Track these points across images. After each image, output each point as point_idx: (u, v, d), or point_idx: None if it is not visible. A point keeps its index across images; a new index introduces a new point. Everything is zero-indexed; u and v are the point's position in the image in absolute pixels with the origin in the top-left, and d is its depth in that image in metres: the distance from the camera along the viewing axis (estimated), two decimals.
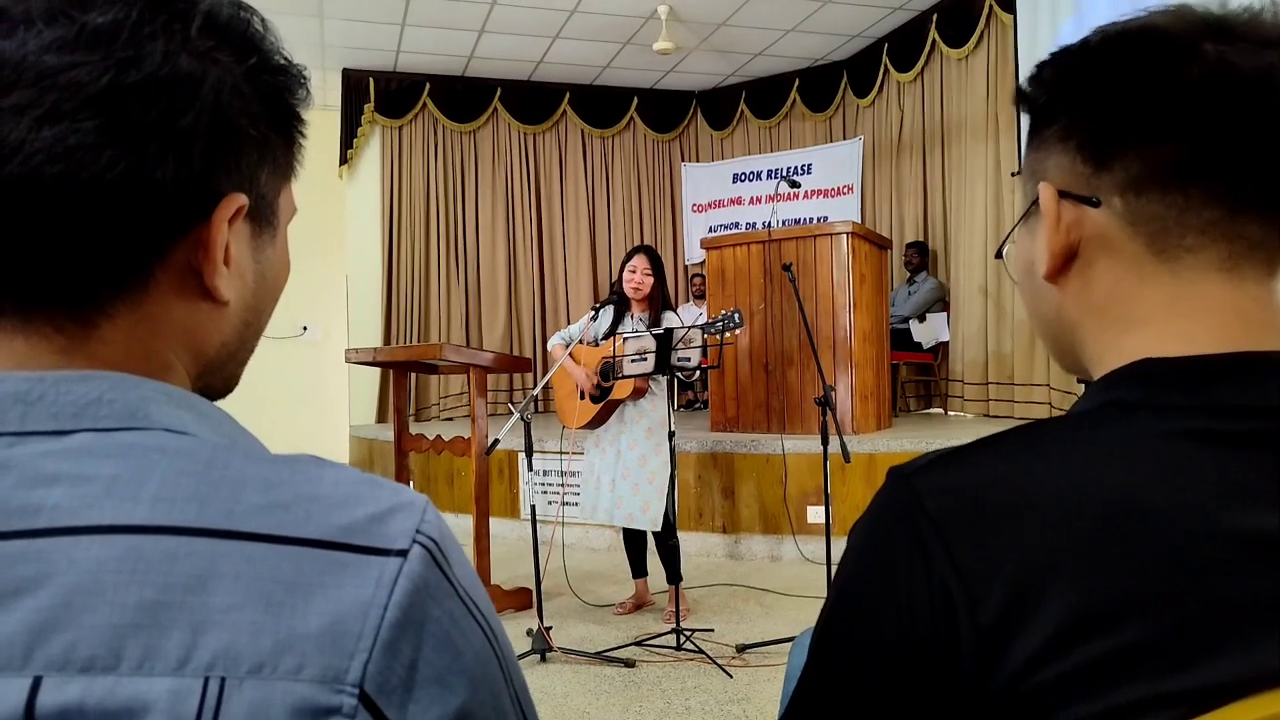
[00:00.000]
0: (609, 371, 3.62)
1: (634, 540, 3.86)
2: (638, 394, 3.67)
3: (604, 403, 3.71)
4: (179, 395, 0.47)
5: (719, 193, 8.47)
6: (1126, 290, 0.58)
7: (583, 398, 3.77)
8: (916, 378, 7.14)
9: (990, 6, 6.19)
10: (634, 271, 3.73)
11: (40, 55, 0.42)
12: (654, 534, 3.71)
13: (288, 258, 0.57)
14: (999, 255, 0.71)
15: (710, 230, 8.20)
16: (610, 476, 3.73)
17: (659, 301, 3.76)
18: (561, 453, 4.98)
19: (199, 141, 0.46)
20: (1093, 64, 0.59)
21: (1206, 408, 0.51)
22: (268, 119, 0.51)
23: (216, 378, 0.54)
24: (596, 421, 3.77)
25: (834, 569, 3.27)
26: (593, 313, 3.84)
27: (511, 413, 3.23)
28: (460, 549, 0.47)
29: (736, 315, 3.43)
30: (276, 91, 0.51)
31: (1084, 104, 0.59)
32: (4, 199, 0.42)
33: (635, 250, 3.81)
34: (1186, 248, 0.56)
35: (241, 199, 0.49)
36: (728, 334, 3.47)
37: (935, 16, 6.72)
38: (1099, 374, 0.59)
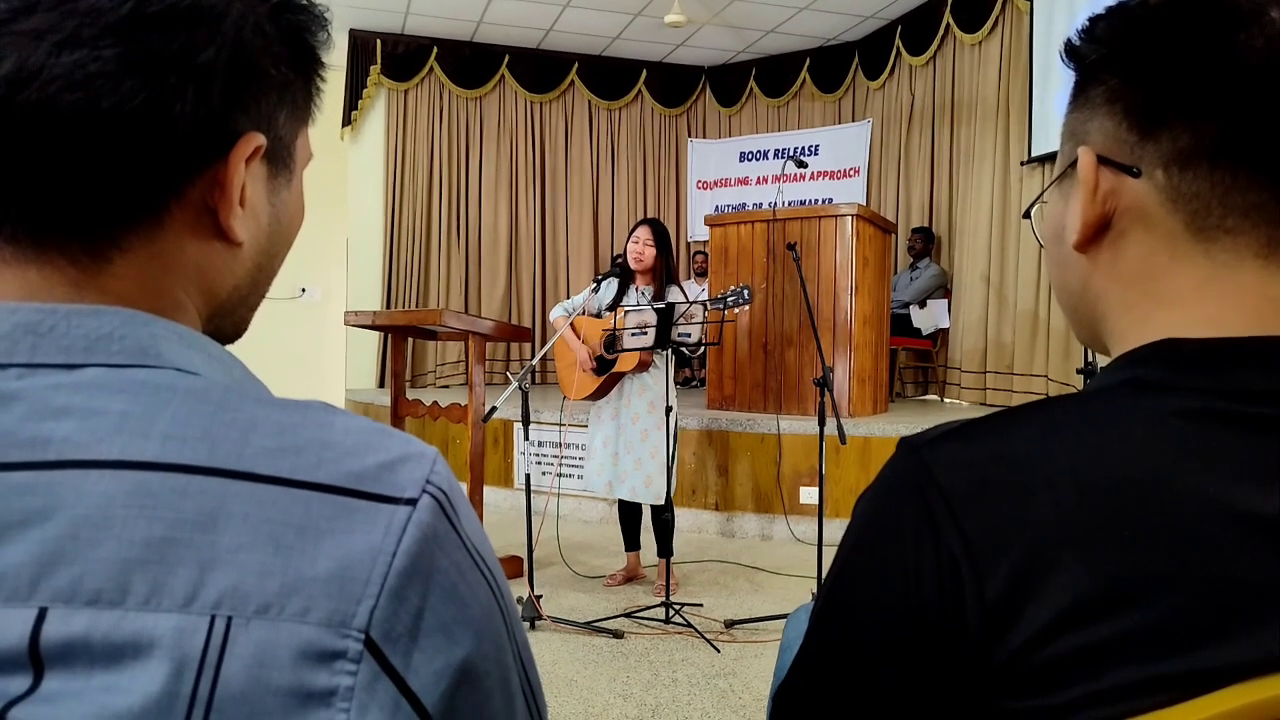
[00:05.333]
0: (613, 343, 3.62)
1: (629, 514, 3.89)
2: (642, 367, 3.68)
3: (607, 375, 3.71)
4: (190, 336, 0.46)
5: (725, 171, 8.42)
6: (1157, 267, 0.56)
7: (585, 370, 3.77)
8: (915, 364, 7.14)
9: None
10: (636, 242, 3.75)
11: None
12: (651, 506, 3.72)
13: (302, 203, 0.56)
14: (1026, 215, 0.69)
15: (715, 208, 8.16)
16: (613, 449, 3.75)
17: (663, 275, 3.76)
18: (561, 424, 4.99)
19: (219, 77, 0.45)
20: (1150, 24, 0.55)
21: (1228, 390, 0.50)
22: (289, 59, 0.50)
23: (227, 321, 0.53)
24: (599, 393, 3.77)
25: (826, 550, 3.25)
26: (595, 284, 3.83)
27: (509, 382, 3.22)
28: (468, 503, 0.47)
29: (746, 291, 3.41)
30: (298, 31, 0.50)
31: (1135, 66, 0.55)
32: (21, 126, 0.41)
33: (641, 222, 3.85)
34: (1226, 229, 0.53)
35: (259, 139, 0.48)
36: (737, 309, 3.45)
37: (950, 0, 6.66)
38: (1118, 350, 0.58)
